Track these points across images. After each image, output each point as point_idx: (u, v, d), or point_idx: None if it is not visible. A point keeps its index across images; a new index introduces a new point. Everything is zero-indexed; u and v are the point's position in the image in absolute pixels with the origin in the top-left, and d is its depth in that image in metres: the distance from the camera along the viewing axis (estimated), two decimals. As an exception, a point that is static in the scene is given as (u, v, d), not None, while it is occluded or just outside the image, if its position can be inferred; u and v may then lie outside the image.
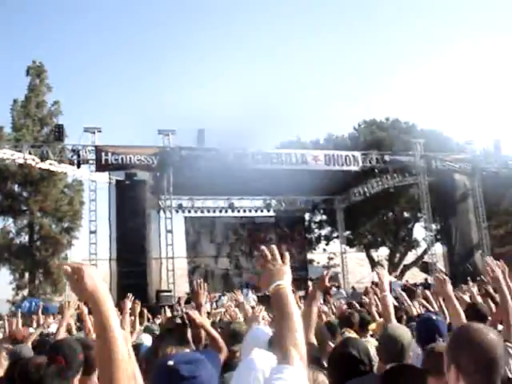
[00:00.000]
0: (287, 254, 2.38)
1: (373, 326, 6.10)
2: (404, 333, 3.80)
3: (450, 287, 4.88)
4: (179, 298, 23.90)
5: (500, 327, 5.29)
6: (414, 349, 3.90)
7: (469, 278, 10.11)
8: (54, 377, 2.70)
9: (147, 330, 7.88)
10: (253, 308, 11.50)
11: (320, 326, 6.14)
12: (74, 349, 3.62)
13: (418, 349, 3.96)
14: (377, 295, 7.16)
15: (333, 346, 4.84)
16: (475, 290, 8.22)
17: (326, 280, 4.67)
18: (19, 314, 9.78)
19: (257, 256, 2.41)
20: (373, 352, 3.98)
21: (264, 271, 2.34)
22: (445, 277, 5.06)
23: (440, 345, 3.34)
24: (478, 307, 5.28)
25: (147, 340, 6.51)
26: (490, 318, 5.33)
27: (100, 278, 1.99)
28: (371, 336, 6.05)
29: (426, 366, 3.15)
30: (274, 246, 2.38)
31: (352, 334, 4.79)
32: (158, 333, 7.32)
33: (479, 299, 7.21)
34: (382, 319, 6.33)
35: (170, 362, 1.91)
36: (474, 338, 2.30)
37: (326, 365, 4.12)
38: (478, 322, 4.77)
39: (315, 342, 4.58)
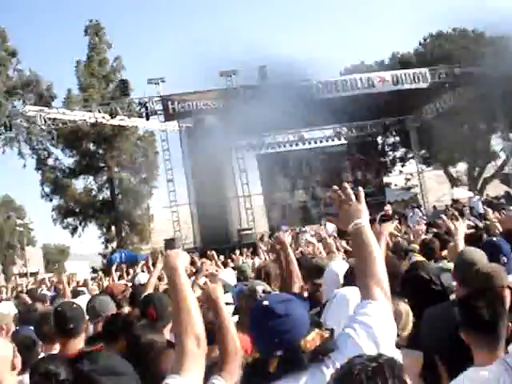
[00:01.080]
0: (362, 193, 2.39)
1: (444, 252, 6.04)
2: (480, 256, 3.80)
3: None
4: (262, 236, 24.28)
5: None
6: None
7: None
8: (147, 329, 2.91)
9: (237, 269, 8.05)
10: (335, 238, 11.66)
11: (389, 256, 6.16)
12: (163, 302, 3.96)
13: None
14: (456, 218, 7.05)
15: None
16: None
17: (388, 211, 4.59)
18: (114, 269, 10.24)
19: (331, 197, 2.43)
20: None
21: (341, 212, 2.37)
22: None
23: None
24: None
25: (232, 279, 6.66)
26: None
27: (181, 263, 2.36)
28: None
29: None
30: (346, 185, 2.40)
31: (419, 257, 4.79)
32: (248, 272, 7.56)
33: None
34: (452, 244, 6.28)
35: (266, 302, 2.03)
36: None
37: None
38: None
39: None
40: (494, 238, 4.39)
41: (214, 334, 2.94)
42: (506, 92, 26.31)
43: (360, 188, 2.44)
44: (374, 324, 2.02)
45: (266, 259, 10.00)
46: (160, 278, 6.79)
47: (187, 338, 2.14)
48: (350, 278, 3.53)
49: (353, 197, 2.35)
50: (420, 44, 38.71)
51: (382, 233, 4.48)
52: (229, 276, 7.02)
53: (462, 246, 4.85)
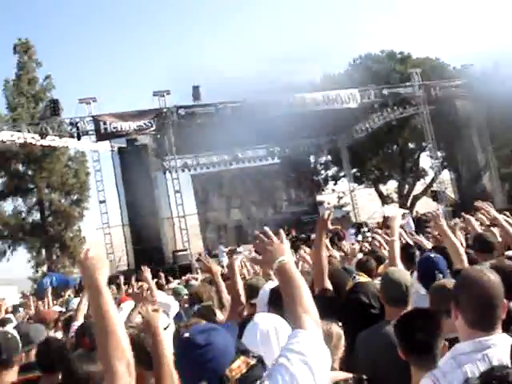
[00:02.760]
0: (282, 233, 2.45)
1: (381, 267, 6.16)
2: (404, 274, 3.88)
3: (443, 222, 4.92)
4: (199, 255, 24.06)
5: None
6: (417, 289, 3.98)
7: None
8: (83, 359, 2.80)
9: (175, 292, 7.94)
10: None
11: (336, 267, 6.21)
12: None
13: (422, 288, 4.04)
14: (388, 235, 7.16)
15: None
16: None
17: (326, 217, 4.60)
18: (49, 292, 9.84)
19: (255, 240, 2.46)
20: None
21: (264, 254, 2.41)
22: (437, 212, 5.11)
23: (441, 281, 3.42)
24: (484, 238, 5.31)
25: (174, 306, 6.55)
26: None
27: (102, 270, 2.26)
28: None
29: (433, 305, 3.26)
30: (267, 228, 2.44)
31: (363, 278, 4.84)
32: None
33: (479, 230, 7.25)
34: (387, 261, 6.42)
35: (186, 334, 2.01)
36: (473, 277, 2.40)
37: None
38: (486, 253, 4.88)
39: (330, 287, 4.63)
40: (432, 254, 4.45)
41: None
42: (434, 111, 27.29)
43: (281, 230, 2.49)
44: (308, 352, 2.01)
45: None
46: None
47: (118, 363, 2.05)
48: (276, 302, 3.54)
49: (274, 238, 2.40)
50: (350, 64, 39.64)
51: (321, 239, 4.48)
52: (168, 298, 6.93)
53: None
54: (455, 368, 2.28)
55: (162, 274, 11.99)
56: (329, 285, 4.62)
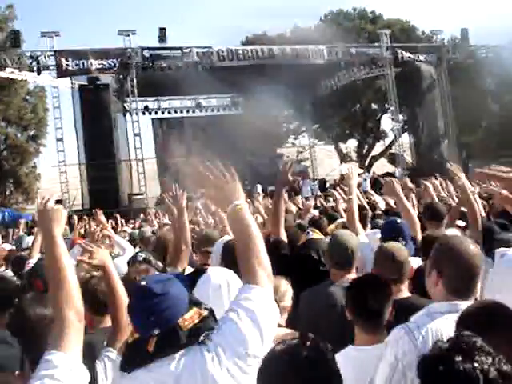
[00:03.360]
0: (234, 171, 2.38)
1: (332, 226, 6.23)
2: (350, 238, 3.96)
3: (398, 188, 5.03)
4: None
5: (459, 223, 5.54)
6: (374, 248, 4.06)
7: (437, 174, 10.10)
8: (32, 302, 2.78)
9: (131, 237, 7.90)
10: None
11: (290, 224, 6.28)
12: None
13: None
14: (344, 192, 7.25)
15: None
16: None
17: (288, 172, 4.63)
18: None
19: (203, 175, 2.37)
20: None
21: (217, 192, 2.35)
22: (392, 179, 5.23)
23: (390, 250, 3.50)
24: (435, 207, 5.44)
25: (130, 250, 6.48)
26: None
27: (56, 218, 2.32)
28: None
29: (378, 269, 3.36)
30: (219, 163, 2.37)
31: (316, 235, 4.92)
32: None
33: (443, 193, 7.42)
34: (340, 220, 6.51)
35: (143, 282, 2.03)
36: (458, 248, 2.47)
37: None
38: (436, 222, 5.01)
39: (285, 239, 4.69)
40: (398, 220, 4.52)
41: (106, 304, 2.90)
42: (399, 73, 27.41)
43: (232, 168, 2.40)
44: (258, 309, 2.05)
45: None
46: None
47: (68, 310, 2.09)
48: (228, 257, 3.58)
49: (228, 176, 2.34)
50: (321, 20, 39.26)
51: (280, 192, 4.51)
52: (124, 241, 6.89)
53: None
54: (429, 323, 2.37)
55: (118, 216, 11.86)
56: (284, 237, 4.68)
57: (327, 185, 27.85)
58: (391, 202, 7.40)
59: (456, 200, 6.46)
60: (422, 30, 36.05)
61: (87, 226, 8.42)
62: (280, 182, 4.71)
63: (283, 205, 4.85)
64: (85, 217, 9.54)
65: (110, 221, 9.67)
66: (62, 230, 2.32)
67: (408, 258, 3.48)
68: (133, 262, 4.13)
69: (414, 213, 5.01)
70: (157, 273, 3.52)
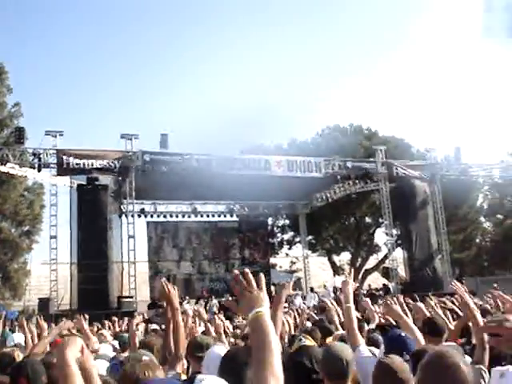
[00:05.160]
0: (262, 277, 2.34)
1: (329, 339, 6.12)
2: (345, 350, 3.86)
3: (397, 308, 4.98)
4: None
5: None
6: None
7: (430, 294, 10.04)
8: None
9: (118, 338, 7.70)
10: (215, 314, 11.55)
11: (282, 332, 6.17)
12: (37, 371, 3.55)
13: None
14: (340, 305, 7.14)
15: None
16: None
17: (291, 288, 4.63)
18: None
19: (232, 283, 2.35)
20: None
21: (242, 298, 2.29)
22: (390, 300, 5.20)
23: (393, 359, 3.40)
24: (434, 322, 5.36)
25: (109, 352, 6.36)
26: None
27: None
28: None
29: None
30: (247, 271, 2.32)
31: (309, 342, 4.81)
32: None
33: (439, 311, 7.32)
34: (338, 332, 6.40)
35: None
36: (443, 365, 2.40)
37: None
38: (435, 337, 4.92)
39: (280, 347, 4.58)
40: (403, 333, 4.43)
41: None
42: (394, 189, 27.86)
43: (261, 274, 2.38)
44: None
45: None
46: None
47: None
48: (229, 365, 3.47)
49: (254, 284, 2.29)
50: (318, 134, 40.44)
51: (280, 302, 4.45)
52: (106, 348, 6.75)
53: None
54: None
55: (107, 323, 11.60)
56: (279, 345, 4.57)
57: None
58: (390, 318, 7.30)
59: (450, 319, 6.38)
60: (417, 149, 37.16)
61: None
62: (281, 292, 4.69)
63: (281, 315, 4.80)
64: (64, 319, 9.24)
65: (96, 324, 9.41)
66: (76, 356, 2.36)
67: (411, 375, 3.35)
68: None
69: (416, 328, 4.92)
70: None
